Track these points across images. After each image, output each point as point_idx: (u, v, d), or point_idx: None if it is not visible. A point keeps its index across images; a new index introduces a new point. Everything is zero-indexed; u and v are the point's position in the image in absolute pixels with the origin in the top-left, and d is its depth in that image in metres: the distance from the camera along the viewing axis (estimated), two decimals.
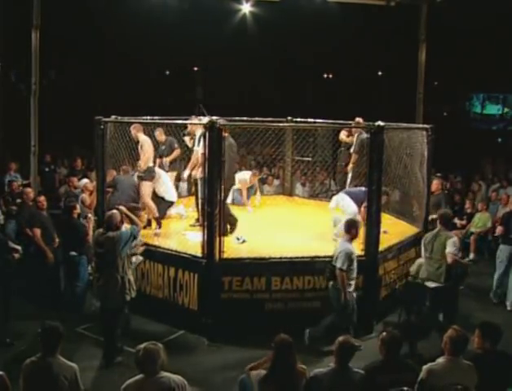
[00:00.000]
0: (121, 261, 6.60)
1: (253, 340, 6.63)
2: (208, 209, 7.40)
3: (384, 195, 8.24)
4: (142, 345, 4.39)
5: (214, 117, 9.19)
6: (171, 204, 9.70)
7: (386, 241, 8.29)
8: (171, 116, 10.08)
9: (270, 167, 14.23)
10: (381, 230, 8.47)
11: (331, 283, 7.13)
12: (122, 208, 7.45)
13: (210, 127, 7.35)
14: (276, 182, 13.68)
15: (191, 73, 27.93)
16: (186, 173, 9.56)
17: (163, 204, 9.43)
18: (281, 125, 10.78)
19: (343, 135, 10.28)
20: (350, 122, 10.17)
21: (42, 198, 8.82)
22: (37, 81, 11.10)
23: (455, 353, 4.73)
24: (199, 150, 8.53)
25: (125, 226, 7.12)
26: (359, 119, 10.17)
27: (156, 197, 9.29)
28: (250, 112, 10.43)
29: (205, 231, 7.41)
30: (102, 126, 8.59)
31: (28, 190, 9.74)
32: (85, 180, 10.34)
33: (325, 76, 31.00)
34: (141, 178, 8.96)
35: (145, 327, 7.69)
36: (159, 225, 8.85)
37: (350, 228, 7.15)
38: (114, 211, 6.95)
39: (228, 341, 7.15)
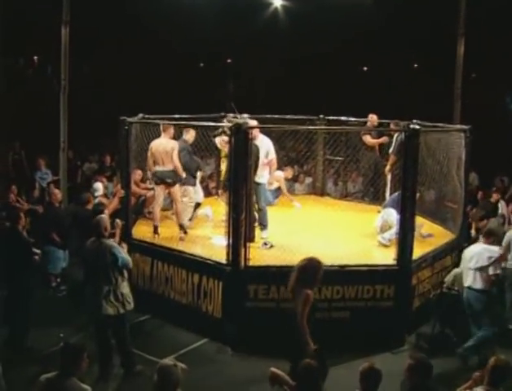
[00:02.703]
0: (112, 273, 6.25)
1: (278, 352, 6.36)
2: (233, 215, 7.14)
3: None
4: (157, 367, 4.14)
5: (245, 115, 9.04)
6: (198, 205, 9.49)
7: (428, 246, 8.18)
8: (203, 112, 9.77)
9: (301, 164, 13.80)
10: (426, 233, 8.50)
11: None
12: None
13: (236, 130, 7.07)
14: (307, 180, 13.26)
15: (224, 66, 27.66)
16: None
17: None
18: (311, 127, 10.44)
19: (368, 137, 9.93)
20: (385, 122, 9.81)
21: (89, 195, 8.69)
22: (66, 77, 10.88)
23: (493, 384, 4.39)
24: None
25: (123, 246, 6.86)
26: (373, 115, 9.82)
27: None
28: (283, 106, 10.16)
29: (230, 237, 7.16)
30: (126, 127, 8.30)
31: (56, 191, 9.41)
32: (99, 185, 10.22)
33: (360, 68, 30.36)
34: (169, 184, 8.52)
35: (168, 334, 7.56)
36: (184, 231, 8.48)
37: None
38: (102, 215, 6.68)
39: (253, 352, 6.89)
